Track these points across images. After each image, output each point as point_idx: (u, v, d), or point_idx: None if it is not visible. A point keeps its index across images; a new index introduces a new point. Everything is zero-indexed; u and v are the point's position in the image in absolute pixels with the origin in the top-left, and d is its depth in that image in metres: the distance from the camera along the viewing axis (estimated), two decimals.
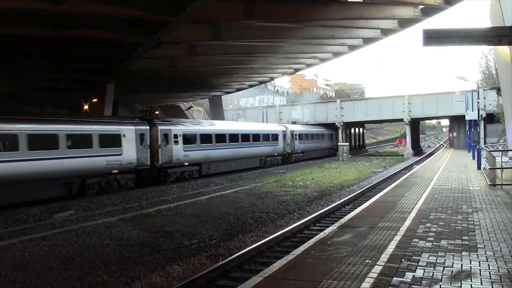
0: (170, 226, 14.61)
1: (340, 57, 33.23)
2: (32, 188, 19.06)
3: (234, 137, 34.43)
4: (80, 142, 21.56)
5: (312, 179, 28.30)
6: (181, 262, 10.62)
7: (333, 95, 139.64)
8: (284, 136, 43.32)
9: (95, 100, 30.97)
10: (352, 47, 29.97)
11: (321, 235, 9.79)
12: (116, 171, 23.24)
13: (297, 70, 40.25)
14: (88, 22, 18.79)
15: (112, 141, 23.18)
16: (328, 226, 11.50)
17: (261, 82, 48.60)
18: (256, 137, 38.02)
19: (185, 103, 52.97)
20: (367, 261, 7.56)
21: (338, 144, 51.14)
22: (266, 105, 71.04)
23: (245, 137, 36.25)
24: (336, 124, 55.43)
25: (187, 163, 28.70)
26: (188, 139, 29.07)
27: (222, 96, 53.47)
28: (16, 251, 11.64)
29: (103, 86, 29.72)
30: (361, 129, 69.31)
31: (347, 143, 52.29)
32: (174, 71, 30.60)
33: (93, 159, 21.83)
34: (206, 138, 30.94)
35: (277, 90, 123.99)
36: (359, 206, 14.56)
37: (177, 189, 24.28)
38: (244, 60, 30.39)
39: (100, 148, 22.30)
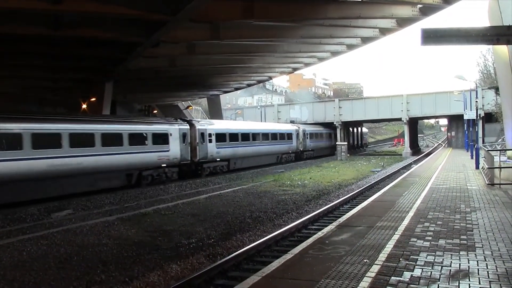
0: (169, 226, 14.60)
1: (339, 56, 33.26)
2: (105, 178, 23.02)
3: (256, 136, 38.55)
4: (138, 140, 25.20)
5: (310, 178, 28.30)
6: (179, 261, 10.61)
7: (332, 94, 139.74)
8: (297, 135, 46.66)
9: (93, 99, 30.95)
10: (351, 47, 29.98)
11: (319, 234, 9.80)
12: (164, 165, 27.02)
13: (295, 69, 40.25)
14: (87, 22, 18.79)
15: (162, 140, 26.93)
16: (326, 226, 11.49)
17: (259, 81, 48.60)
18: (274, 136, 41.91)
19: (183, 102, 52.94)
20: (365, 260, 7.57)
21: (337, 143, 51.25)
22: (264, 104, 71.02)
23: (265, 136, 40.22)
24: (335, 123, 55.46)
25: (218, 159, 32.53)
26: (220, 137, 32.54)
27: (220, 95, 53.43)
28: (14, 250, 11.63)
29: (102, 85, 29.72)
30: (359, 129, 69.35)
31: (346, 143, 52.37)
32: (172, 70, 30.60)
33: (147, 154, 25.65)
34: (234, 136, 34.65)
35: (276, 89, 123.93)
36: (357, 205, 14.59)
37: (175, 188, 24.28)
38: (243, 59, 30.39)
39: (153, 145, 26.06)
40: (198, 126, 30.51)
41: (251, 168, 36.43)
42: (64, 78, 30.17)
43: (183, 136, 28.50)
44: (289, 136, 44.92)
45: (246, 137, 36.60)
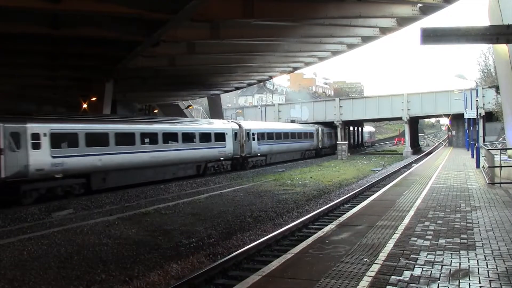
0: (169, 225, 14.62)
1: (339, 55, 33.24)
2: (182, 168, 28.92)
3: (287, 135, 44.65)
4: (205, 138, 31.22)
5: (311, 177, 28.32)
6: (180, 260, 10.63)
7: (332, 93, 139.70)
8: (317, 134, 51.89)
9: (94, 98, 30.95)
10: (351, 46, 29.96)
11: (320, 233, 9.80)
12: (222, 158, 33.10)
13: (295, 68, 40.22)
14: (87, 21, 18.76)
15: (221, 138, 32.85)
16: (326, 225, 11.48)
17: (260, 81, 48.59)
18: (300, 135, 47.85)
19: (184, 102, 52.91)
20: (365, 259, 7.56)
21: (337, 142, 51.37)
22: (265, 104, 70.99)
23: (294, 135, 46.32)
24: (335, 122, 55.42)
25: (259, 154, 38.57)
26: (260, 136, 38.57)
27: (220, 95, 53.40)
28: (15, 250, 11.65)
29: (102, 84, 29.70)
30: (360, 128, 69.40)
31: (346, 142, 52.44)
32: (172, 70, 30.58)
33: (211, 149, 31.72)
34: (270, 135, 40.58)
35: (276, 88, 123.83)
36: (358, 204, 14.58)
37: (176, 188, 24.29)
38: (243, 58, 30.37)
39: (215, 142, 32.11)
40: (244, 126, 36.30)
41: (282, 162, 42.18)
42: (63, 77, 30.15)
43: (235, 135, 34.42)
44: (311, 135, 50.48)
45: (279, 136, 42.60)
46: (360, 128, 71.17)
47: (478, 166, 25.55)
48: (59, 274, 9.69)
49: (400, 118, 55.13)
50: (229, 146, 33.49)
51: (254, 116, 59.80)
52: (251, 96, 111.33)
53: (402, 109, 53.18)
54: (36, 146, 19.29)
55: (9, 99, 33.88)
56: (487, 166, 19.95)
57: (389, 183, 21.32)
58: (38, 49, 22.60)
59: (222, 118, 50.12)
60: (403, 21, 24.37)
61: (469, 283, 6.31)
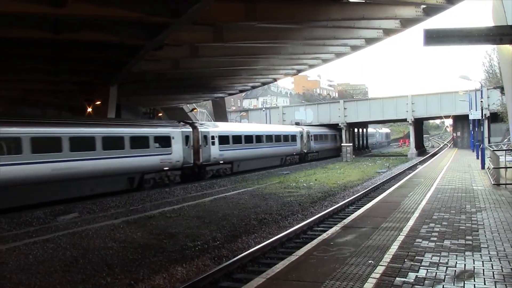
0: (174, 228, 14.63)
1: (343, 57, 33.20)
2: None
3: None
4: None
5: (315, 180, 28.29)
6: (185, 263, 10.64)
7: (337, 95, 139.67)
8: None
9: (98, 102, 31.02)
10: (355, 48, 29.92)
11: (324, 236, 9.80)
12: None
13: (299, 71, 40.17)
14: (89, 25, 18.80)
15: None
16: (331, 227, 11.47)
17: (264, 83, 48.56)
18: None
19: (188, 105, 52.99)
20: (370, 261, 7.56)
21: (342, 144, 51.30)
22: (269, 106, 71.07)
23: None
24: (340, 124, 55.35)
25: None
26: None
27: (225, 98, 53.44)
28: (20, 253, 11.68)
29: (105, 88, 29.73)
30: (365, 129, 69.36)
31: (351, 144, 52.39)
32: (176, 73, 30.63)
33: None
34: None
35: (280, 91, 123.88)
36: (363, 206, 14.58)
37: (181, 191, 24.31)
38: (247, 61, 30.38)
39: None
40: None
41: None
42: (66, 81, 30.21)
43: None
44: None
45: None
46: (366, 130, 71.03)
47: (483, 167, 25.48)
48: (64, 278, 9.72)
49: (405, 120, 55.04)
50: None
51: (258, 119, 59.87)
52: (255, 99, 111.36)
53: (406, 110, 53.11)
54: None
55: (12, 104, 34.01)
56: (492, 167, 19.89)
57: (394, 184, 21.30)
58: (40, 53, 22.65)
59: (227, 121, 50.16)
60: (406, 23, 24.32)
61: (474, 285, 6.30)
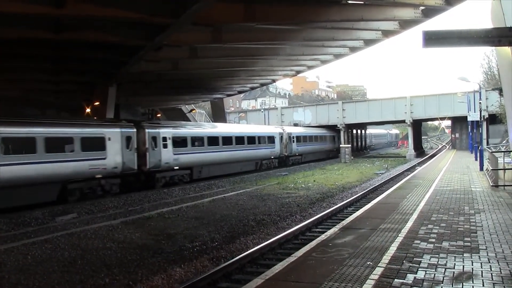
0: (172, 229, 14.63)
1: (342, 58, 33.20)
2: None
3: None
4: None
5: (314, 181, 28.28)
6: (183, 264, 10.64)
7: (335, 97, 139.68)
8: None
9: (97, 103, 31.01)
10: (353, 49, 29.92)
11: (323, 237, 9.81)
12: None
13: (298, 72, 40.14)
14: (89, 25, 18.82)
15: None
16: (329, 228, 11.50)
17: (262, 84, 48.55)
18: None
19: (187, 106, 52.95)
20: (368, 263, 7.57)
21: (340, 146, 51.30)
22: (268, 107, 71.07)
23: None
24: (338, 126, 55.33)
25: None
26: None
27: (223, 99, 53.41)
28: (18, 254, 11.67)
29: (105, 88, 29.74)
30: (363, 131, 69.41)
31: (349, 145, 52.40)
32: (175, 74, 30.60)
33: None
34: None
35: (279, 92, 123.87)
36: (361, 208, 14.59)
37: (179, 191, 24.29)
38: (245, 62, 30.37)
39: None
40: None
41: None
42: (66, 81, 30.21)
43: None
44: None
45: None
46: (364, 131, 71.08)
47: (481, 168, 25.48)
48: (63, 278, 9.71)
49: (403, 121, 55.00)
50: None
51: (257, 120, 59.79)
52: (254, 100, 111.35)
53: (405, 112, 53.08)
54: None
55: (13, 104, 34.00)
56: (491, 168, 19.91)
57: (393, 186, 21.31)
58: (41, 53, 22.65)
59: (225, 122, 50.06)
60: (405, 24, 24.32)
61: (473, 286, 6.32)
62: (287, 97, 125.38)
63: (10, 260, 11.10)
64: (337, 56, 31.93)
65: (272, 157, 40.60)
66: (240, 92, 52.98)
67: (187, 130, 30.72)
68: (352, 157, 49.82)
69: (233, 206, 18.99)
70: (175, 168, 27.92)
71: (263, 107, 72.15)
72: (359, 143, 67.50)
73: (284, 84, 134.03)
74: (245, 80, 40.79)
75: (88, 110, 32.27)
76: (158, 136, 26.65)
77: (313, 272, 7.24)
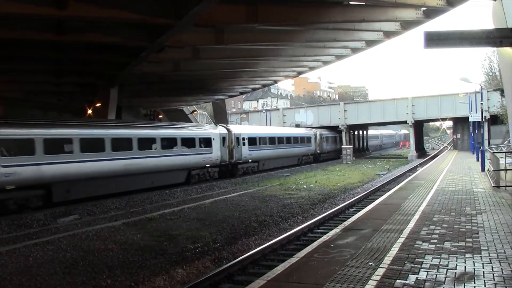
0: (174, 230, 14.63)
1: (343, 59, 33.19)
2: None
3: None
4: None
5: (316, 182, 28.28)
6: (185, 265, 10.65)
7: (337, 97, 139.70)
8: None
9: (98, 104, 31.02)
10: (355, 50, 29.92)
11: (325, 238, 9.81)
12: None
13: (300, 73, 40.12)
14: (91, 26, 18.82)
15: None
16: (331, 229, 11.49)
17: (264, 86, 48.56)
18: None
19: (188, 107, 52.94)
20: (370, 263, 7.57)
21: (342, 146, 51.39)
22: (269, 108, 71.08)
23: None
24: (340, 126, 55.33)
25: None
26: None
27: (225, 100, 53.41)
28: (20, 255, 11.68)
29: (106, 90, 29.75)
30: (365, 132, 69.36)
31: (351, 146, 52.44)
32: (177, 75, 30.60)
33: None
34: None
35: (281, 93, 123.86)
36: (363, 208, 14.58)
37: (181, 193, 24.30)
38: (247, 63, 30.37)
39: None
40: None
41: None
42: (68, 83, 30.19)
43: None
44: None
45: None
46: (366, 132, 71.06)
47: (483, 169, 25.47)
48: (64, 280, 9.72)
49: (405, 122, 54.99)
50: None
51: (258, 121, 59.86)
52: (255, 101, 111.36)
53: (407, 112, 53.08)
54: None
55: (15, 105, 34.04)
56: (492, 169, 19.89)
57: (394, 186, 21.30)
58: (42, 55, 22.65)
59: (227, 123, 50.18)
60: (407, 25, 24.31)
61: (475, 287, 6.32)
62: (289, 98, 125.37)
63: (12, 261, 11.11)
64: (339, 57, 31.91)
65: (309, 154, 49.04)
66: (242, 93, 52.98)
67: (256, 132, 39.50)
68: (353, 158, 49.82)
69: (235, 207, 18.99)
70: (249, 161, 36.12)
71: (264, 108, 72.16)
72: (360, 144, 67.48)
73: (286, 85, 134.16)
74: (247, 81, 40.79)
75: (89, 111, 32.30)
76: (240, 137, 34.74)
77: (315, 273, 7.24)
